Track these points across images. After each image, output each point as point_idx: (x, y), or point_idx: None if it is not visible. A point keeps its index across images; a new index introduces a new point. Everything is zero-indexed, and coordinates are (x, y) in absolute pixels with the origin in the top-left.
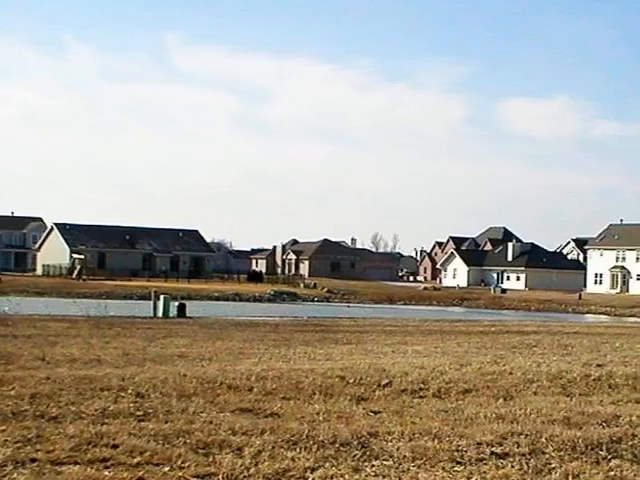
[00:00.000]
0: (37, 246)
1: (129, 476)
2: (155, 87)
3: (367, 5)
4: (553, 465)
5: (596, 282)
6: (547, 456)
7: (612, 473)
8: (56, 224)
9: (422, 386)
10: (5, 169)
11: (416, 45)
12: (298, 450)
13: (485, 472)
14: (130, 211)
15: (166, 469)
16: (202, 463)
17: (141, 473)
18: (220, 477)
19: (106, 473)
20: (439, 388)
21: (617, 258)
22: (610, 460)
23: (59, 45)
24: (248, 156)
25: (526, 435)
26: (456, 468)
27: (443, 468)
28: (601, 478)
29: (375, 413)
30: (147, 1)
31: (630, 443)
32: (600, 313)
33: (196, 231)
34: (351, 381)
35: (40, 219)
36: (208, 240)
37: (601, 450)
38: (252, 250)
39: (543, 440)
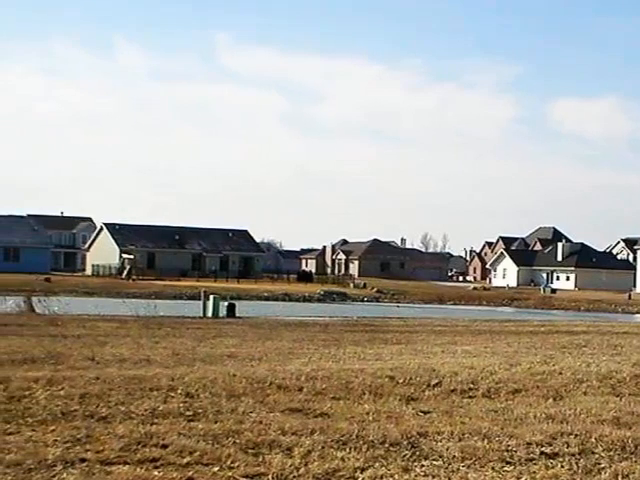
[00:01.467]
0: (86, 246)
1: (178, 476)
2: (204, 87)
3: (416, 5)
4: (603, 465)
5: None
6: (597, 456)
7: None
8: (106, 224)
9: (472, 386)
10: (54, 169)
11: (465, 45)
12: (348, 450)
13: (534, 472)
14: (179, 211)
15: (215, 469)
16: (251, 463)
17: (190, 473)
18: (270, 477)
19: (155, 473)
20: (489, 388)
21: None
22: None
23: (109, 45)
24: (297, 156)
25: (576, 435)
26: (506, 468)
27: (493, 468)
28: None
29: (425, 413)
30: (197, 1)
31: None
32: None
33: (246, 231)
34: (401, 381)
35: (90, 219)
36: (258, 240)
37: None
38: (302, 250)
39: (593, 440)
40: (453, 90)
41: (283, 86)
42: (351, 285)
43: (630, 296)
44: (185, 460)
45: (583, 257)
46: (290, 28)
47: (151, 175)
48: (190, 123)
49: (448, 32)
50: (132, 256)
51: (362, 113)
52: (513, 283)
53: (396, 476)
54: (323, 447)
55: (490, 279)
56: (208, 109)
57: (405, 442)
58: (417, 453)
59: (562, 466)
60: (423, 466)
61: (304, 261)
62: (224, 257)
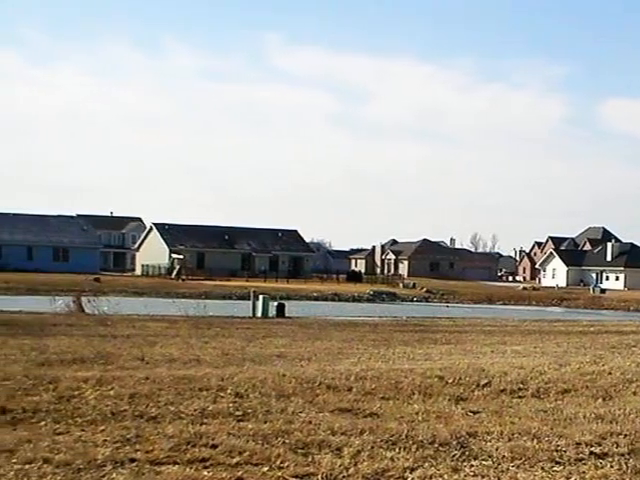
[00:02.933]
0: (136, 246)
1: (228, 476)
2: (253, 87)
3: (466, 5)
4: None
5: None
6: None
7: None
8: (155, 224)
9: (521, 386)
10: (104, 169)
11: (515, 45)
12: (397, 450)
13: (584, 472)
14: (228, 211)
15: (265, 469)
16: (301, 463)
17: (240, 473)
18: (319, 477)
19: (205, 473)
20: (538, 388)
21: None
22: None
23: (158, 45)
24: (346, 156)
25: (625, 435)
26: (555, 468)
27: (542, 468)
28: None
29: (474, 413)
30: (246, 1)
31: None
32: None
33: (295, 231)
34: (450, 381)
35: (139, 219)
36: (307, 240)
37: None
38: (351, 250)
39: None
40: (502, 90)
41: (332, 86)
42: (400, 285)
43: None
44: (234, 460)
45: (633, 257)
46: (339, 28)
47: (201, 175)
48: (239, 123)
49: (497, 32)
50: (182, 256)
51: (411, 113)
52: (562, 283)
53: (445, 476)
54: (372, 447)
55: (539, 279)
56: (257, 109)
57: (454, 442)
58: (466, 453)
59: (611, 466)
60: (472, 466)
61: (353, 261)
62: (273, 257)
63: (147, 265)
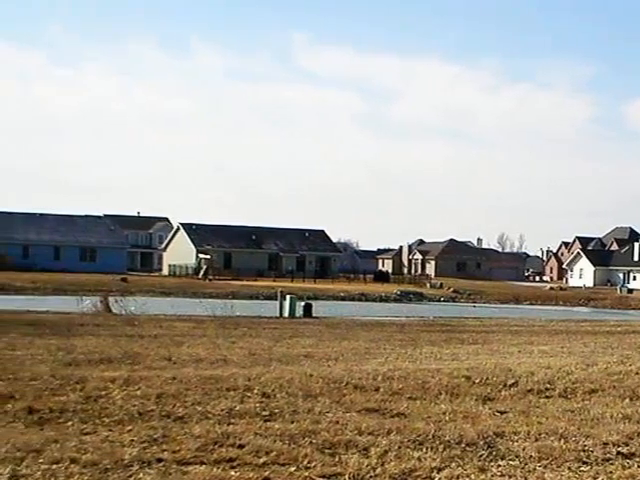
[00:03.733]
0: (163, 246)
1: (255, 476)
2: (280, 87)
3: (492, 5)
4: None
5: None
6: None
7: None
8: (182, 224)
9: (548, 386)
10: (130, 169)
11: (541, 45)
12: (424, 450)
13: (611, 472)
14: (254, 211)
15: (292, 469)
16: (328, 463)
17: (267, 473)
18: (346, 477)
19: (232, 473)
20: (565, 388)
21: None
22: None
23: (185, 45)
24: (373, 156)
25: None
26: (582, 468)
27: (569, 468)
28: None
29: (501, 413)
30: (273, 1)
31: None
32: None
33: (322, 231)
34: (477, 381)
35: (166, 219)
36: (334, 240)
37: None
38: (378, 250)
39: None
40: (529, 90)
41: (359, 86)
42: (428, 285)
43: None
44: (262, 460)
45: None
46: (366, 28)
47: (227, 175)
48: (266, 123)
49: (524, 32)
50: (209, 256)
51: (437, 113)
52: (590, 283)
53: (472, 476)
54: (400, 447)
55: (567, 279)
56: (284, 109)
57: (481, 442)
58: (494, 453)
59: (639, 466)
60: (500, 466)
61: (381, 261)
62: (301, 257)
63: (174, 265)
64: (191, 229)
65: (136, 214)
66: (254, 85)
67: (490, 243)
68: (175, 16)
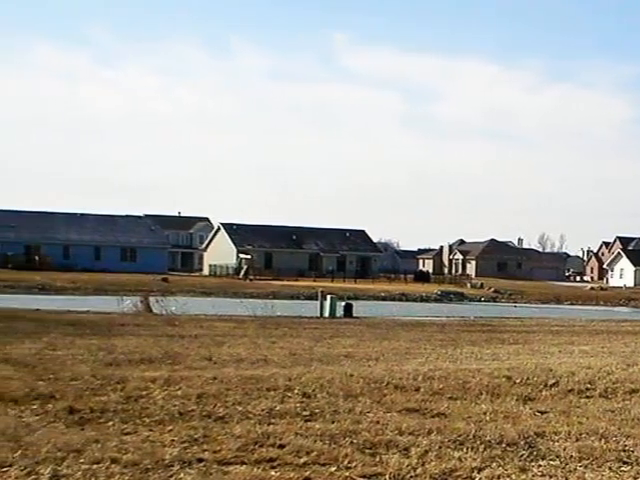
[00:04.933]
0: (204, 246)
1: (295, 476)
2: (322, 87)
3: (533, 4)
4: None
5: None
6: None
7: None
8: (223, 224)
9: (589, 386)
10: (171, 169)
11: (583, 44)
12: (465, 450)
13: None
14: (296, 211)
15: (333, 469)
16: (369, 463)
17: (307, 473)
18: (387, 477)
19: (272, 473)
20: (606, 388)
21: None
22: None
23: (226, 45)
24: (414, 156)
25: None
26: (623, 468)
27: (610, 468)
28: None
29: (542, 413)
30: (315, 1)
31: None
32: None
33: (363, 231)
34: (518, 381)
35: (207, 219)
36: (375, 240)
37: None
38: (419, 250)
39: None
40: (571, 90)
41: (400, 86)
42: (468, 285)
43: None
44: (302, 460)
45: None
46: (408, 27)
47: (268, 175)
48: (308, 123)
49: (566, 32)
50: (249, 256)
51: (479, 113)
52: (630, 283)
53: (513, 476)
54: (440, 447)
55: (607, 279)
56: (326, 109)
57: (522, 442)
58: (534, 453)
59: None
60: (540, 466)
61: (421, 261)
62: (341, 257)
63: (215, 265)
64: (232, 229)
65: (177, 214)
66: (296, 85)
67: (531, 243)
68: (217, 16)
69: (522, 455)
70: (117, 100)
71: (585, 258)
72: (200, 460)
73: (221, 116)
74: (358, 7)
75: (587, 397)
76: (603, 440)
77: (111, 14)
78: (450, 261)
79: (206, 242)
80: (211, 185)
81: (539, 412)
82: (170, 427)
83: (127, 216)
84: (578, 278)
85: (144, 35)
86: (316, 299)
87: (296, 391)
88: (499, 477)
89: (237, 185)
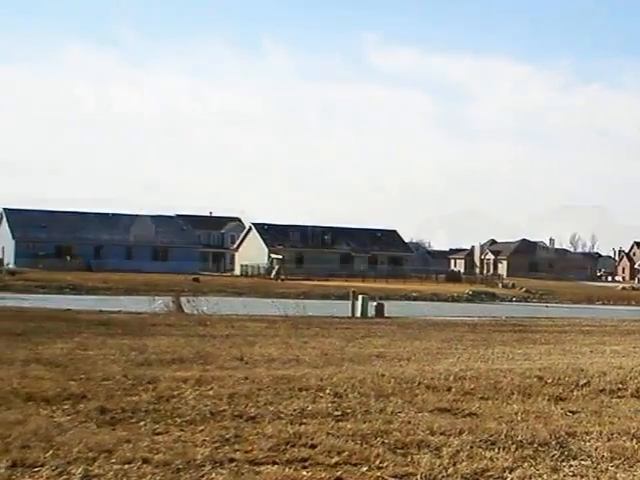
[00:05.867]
0: (235, 246)
1: (327, 476)
2: (351, 87)
3: (562, 5)
4: None
5: None
6: None
7: None
8: (254, 224)
9: (620, 386)
10: (203, 169)
11: (612, 45)
12: (496, 450)
13: None
14: (327, 211)
15: (364, 469)
16: (400, 463)
17: (339, 473)
18: (418, 477)
19: (304, 473)
20: (637, 388)
21: None
22: None
23: (256, 46)
24: (445, 155)
25: None
26: None
27: None
28: None
29: (573, 413)
30: (343, 1)
31: None
32: None
33: (394, 231)
34: (549, 381)
35: (238, 219)
36: (406, 240)
37: None
38: (450, 250)
39: None
40: (600, 90)
41: (430, 86)
42: (499, 285)
43: None
44: (334, 460)
45: None
46: (436, 27)
47: (299, 175)
48: (338, 123)
49: (595, 32)
50: (280, 256)
51: (508, 113)
52: None
53: (545, 476)
54: (471, 447)
55: (639, 279)
56: (354, 109)
57: (554, 442)
58: (566, 453)
59: None
60: (572, 466)
61: (452, 261)
62: (372, 257)
63: (246, 265)
64: (263, 229)
65: (208, 214)
66: (326, 85)
67: (562, 243)
68: (246, 16)
69: (554, 455)
70: (146, 100)
71: (617, 258)
72: (232, 460)
73: (251, 116)
74: (386, 7)
75: (619, 397)
76: (635, 440)
77: (140, 14)
78: (482, 261)
79: (237, 242)
80: (242, 185)
81: (570, 412)
82: (202, 427)
83: (158, 216)
84: (610, 278)
85: (174, 35)
86: (347, 299)
87: (328, 391)
88: (531, 477)
89: (268, 185)
